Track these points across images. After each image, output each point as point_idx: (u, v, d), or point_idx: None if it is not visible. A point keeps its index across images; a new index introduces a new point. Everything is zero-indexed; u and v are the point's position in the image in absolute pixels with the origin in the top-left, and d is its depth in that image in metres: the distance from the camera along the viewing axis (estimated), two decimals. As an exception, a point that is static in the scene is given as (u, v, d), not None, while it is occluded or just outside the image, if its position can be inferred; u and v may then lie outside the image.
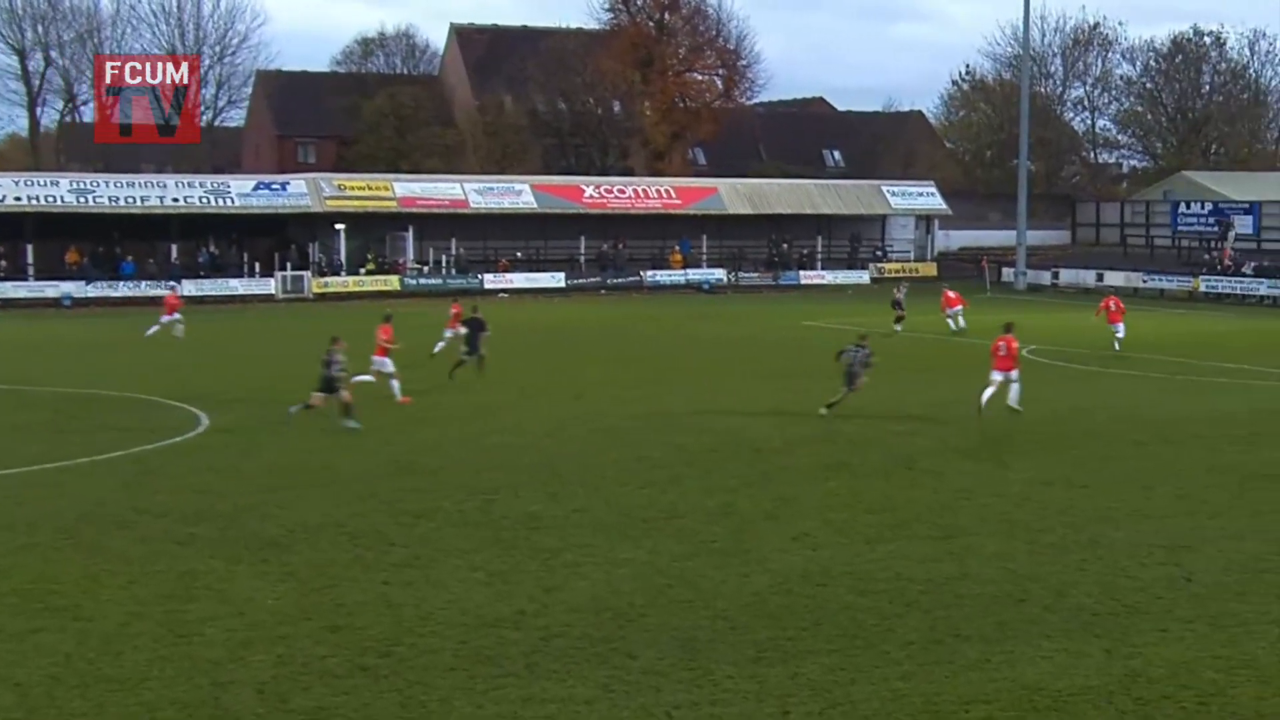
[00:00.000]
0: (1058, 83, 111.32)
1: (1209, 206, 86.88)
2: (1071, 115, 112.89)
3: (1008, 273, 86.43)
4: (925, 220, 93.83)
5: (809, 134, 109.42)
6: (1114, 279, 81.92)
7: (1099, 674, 14.95)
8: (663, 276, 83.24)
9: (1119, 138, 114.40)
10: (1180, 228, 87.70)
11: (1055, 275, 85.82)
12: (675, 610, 17.04)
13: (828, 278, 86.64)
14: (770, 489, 24.17)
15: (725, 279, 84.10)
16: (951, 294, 55.13)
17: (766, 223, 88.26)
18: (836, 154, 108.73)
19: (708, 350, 47.98)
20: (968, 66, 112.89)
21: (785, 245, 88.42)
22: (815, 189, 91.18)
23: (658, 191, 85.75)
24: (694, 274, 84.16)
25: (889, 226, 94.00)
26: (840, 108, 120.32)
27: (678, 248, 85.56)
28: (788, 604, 17.32)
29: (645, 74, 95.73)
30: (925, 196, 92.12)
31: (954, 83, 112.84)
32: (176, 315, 53.04)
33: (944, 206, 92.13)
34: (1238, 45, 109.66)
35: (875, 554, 19.72)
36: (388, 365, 35.03)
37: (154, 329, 52.33)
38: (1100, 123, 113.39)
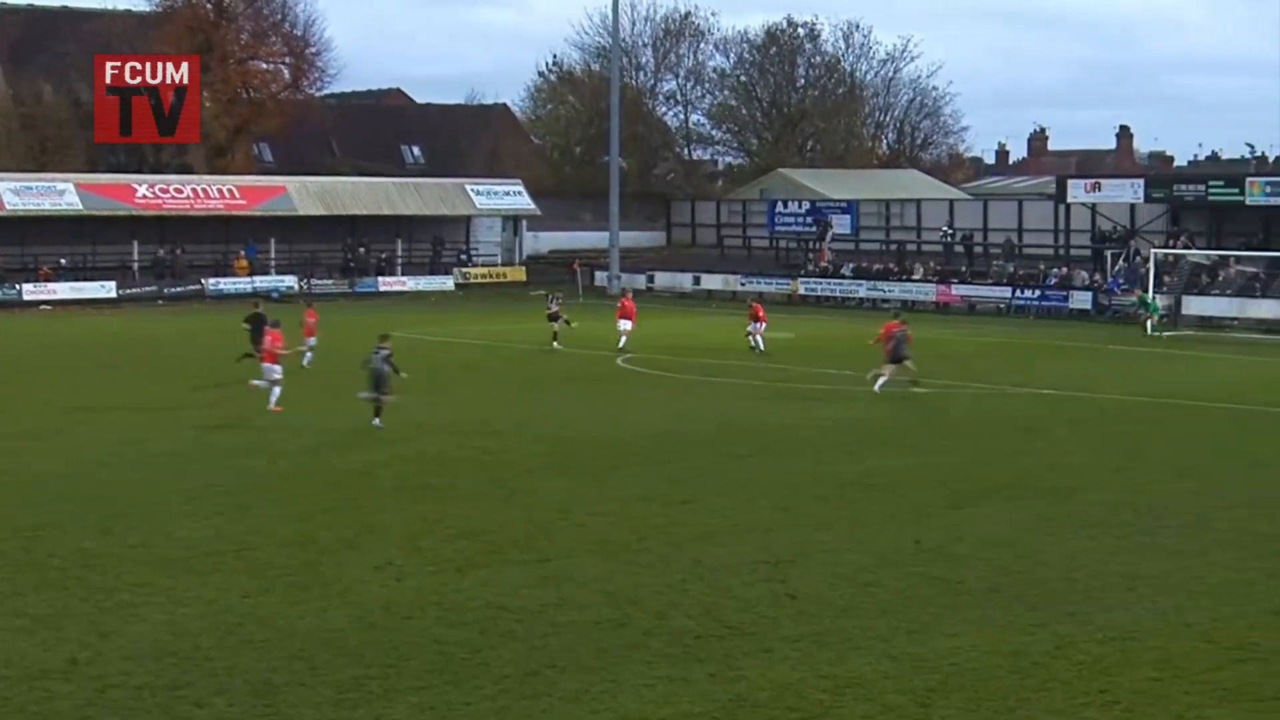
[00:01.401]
0: (649, 75, 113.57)
1: (806, 205, 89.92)
2: (664, 110, 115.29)
3: (601, 276, 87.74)
4: (513, 221, 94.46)
5: (385, 128, 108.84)
6: (711, 282, 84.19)
7: (703, 700, 15.31)
8: (227, 284, 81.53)
9: (713, 133, 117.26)
10: (778, 228, 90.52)
11: (650, 279, 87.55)
12: (247, 651, 16.76)
13: (409, 284, 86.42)
14: (351, 515, 24.01)
15: (296, 286, 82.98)
16: (629, 302, 54.92)
17: (341, 225, 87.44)
18: (416, 150, 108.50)
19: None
20: (554, 57, 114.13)
21: (362, 249, 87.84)
22: (394, 188, 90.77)
23: (219, 191, 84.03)
24: (261, 281, 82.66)
25: (474, 228, 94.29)
26: (419, 100, 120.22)
27: (243, 253, 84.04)
28: (371, 639, 17.23)
29: (204, 62, 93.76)
30: (512, 196, 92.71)
31: (540, 74, 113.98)
32: None
33: (532, 206, 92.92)
34: (832, 38, 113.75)
35: (465, 582, 19.78)
36: (276, 372, 36.49)
37: None
38: (694, 117, 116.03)
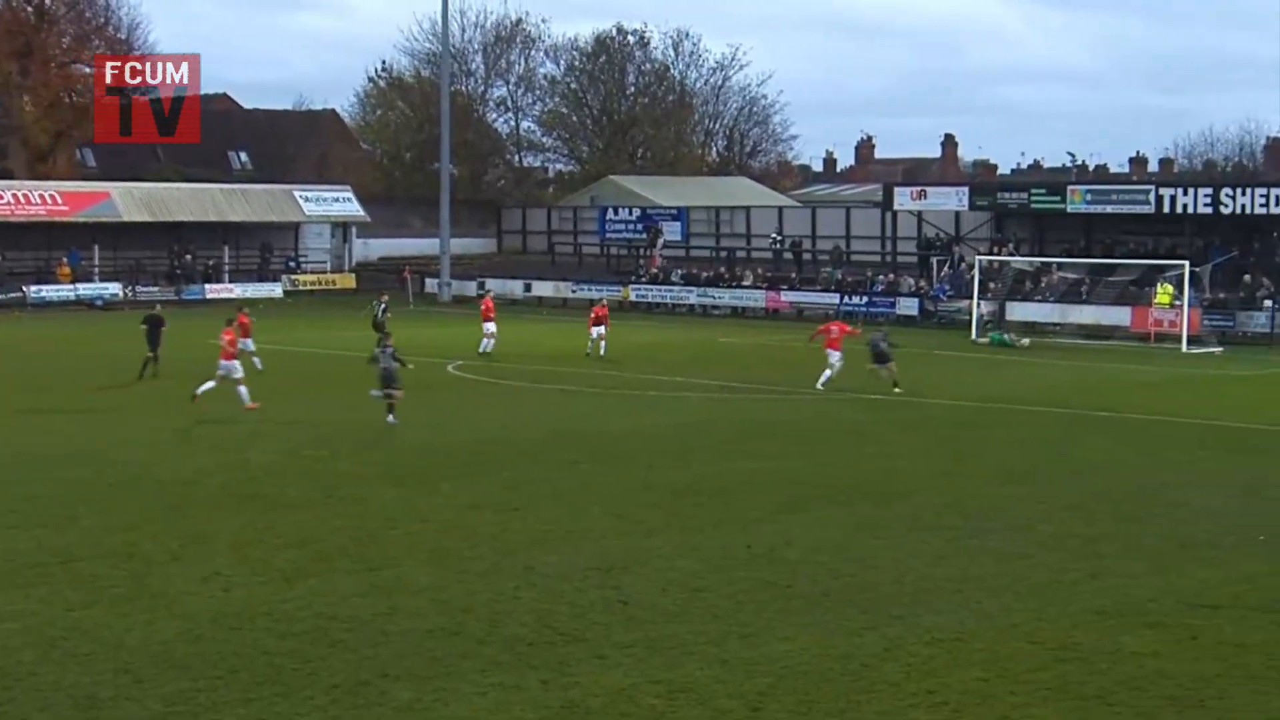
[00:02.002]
0: (479, 82, 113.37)
1: (637, 213, 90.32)
2: (495, 116, 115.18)
3: (431, 283, 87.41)
4: (342, 228, 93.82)
5: (213, 133, 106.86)
6: (542, 289, 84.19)
7: (536, 707, 15.29)
8: (49, 292, 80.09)
9: (544, 140, 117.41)
10: (608, 235, 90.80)
11: (482, 285, 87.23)
12: (72, 666, 16.45)
13: (237, 291, 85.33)
14: (177, 525, 23.67)
15: (122, 294, 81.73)
16: (490, 305, 54.39)
17: (167, 231, 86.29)
18: (243, 156, 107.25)
19: (104, 373, 46.52)
20: (384, 63, 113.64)
21: (188, 256, 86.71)
22: (220, 194, 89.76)
23: (41, 197, 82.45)
24: (85, 289, 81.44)
25: (303, 235, 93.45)
26: (246, 105, 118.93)
27: (66, 260, 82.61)
28: (199, 652, 16.99)
29: (24, 65, 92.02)
30: (341, 202, 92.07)
31: (370, 80, 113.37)
32: None
33: (362, 213, 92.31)
34: (662, 45, 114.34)
35: (295, 592, 19.59)
36: (236, 370, 37.38)
37: None
38: (525, 124, 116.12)
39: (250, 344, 45.10)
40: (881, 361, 42.67)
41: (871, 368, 42.71)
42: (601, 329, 51.74)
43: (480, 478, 28.34)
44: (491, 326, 52.01)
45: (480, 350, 51.16)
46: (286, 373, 46.50)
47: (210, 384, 37.16)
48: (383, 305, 52.94)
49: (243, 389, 37.00)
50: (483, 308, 53.78)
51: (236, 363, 37.78)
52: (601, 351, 51.21)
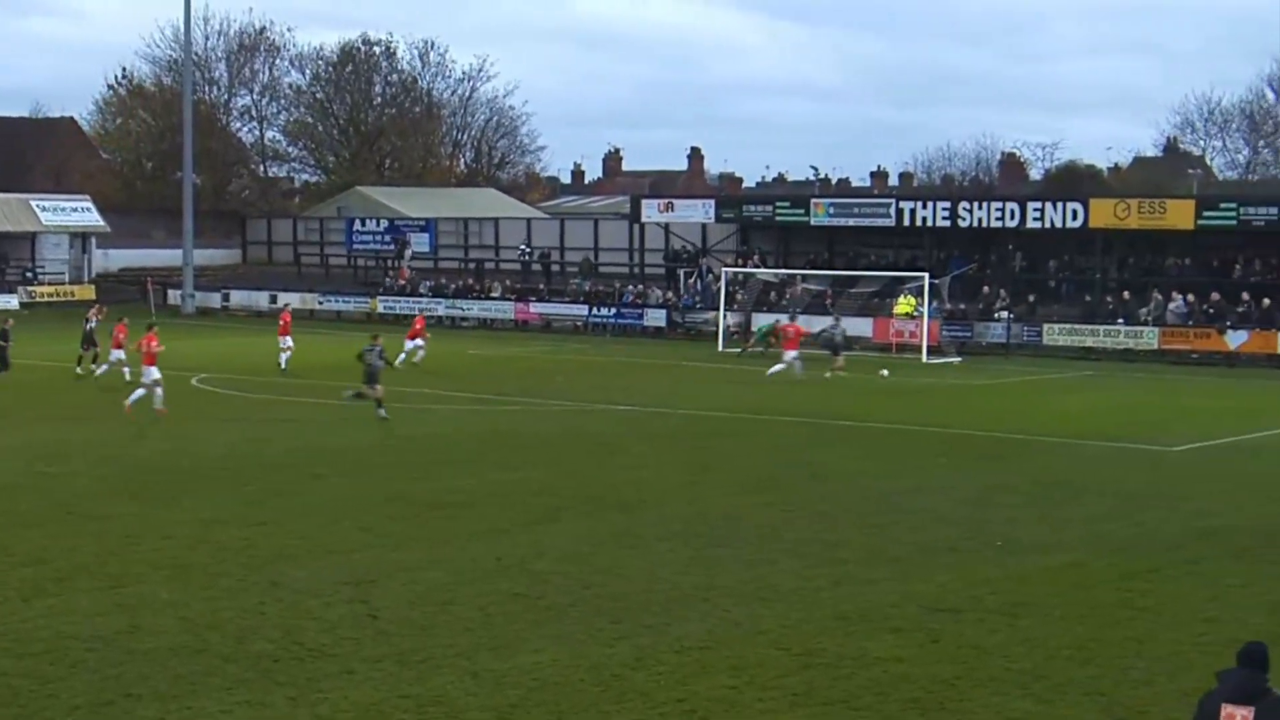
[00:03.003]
0: (223, 90, 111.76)
1: (385, 224, 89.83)
2: (239, 125, 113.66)
3: (175, 295, 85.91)
4: (81, 238, 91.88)
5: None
6: (288, 300, 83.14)
7: (283, 724, 15.12)
8: None
9: (290, 150, 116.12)
10: (356, 246, 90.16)
11: (226, 297, 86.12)
12: None
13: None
14: (-93, 545, 22.93)
15: None
16: (287, 317, 52.90)
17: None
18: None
19: None
20: (124, 69, 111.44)
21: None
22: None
23: None
24: None
25: (40, 245, 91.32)
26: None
27: None
28: (-69, 675, 16.48)
29: None
30: (80, 212, 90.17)
31: (110, 87, 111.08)
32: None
33: (101, 223, 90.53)
34: (408, 56, 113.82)
35: (33, 611, 19.08)
36: (153, 374, 37.92)
37: None
38: (270, 134, 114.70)
39: (121, 354, 45.06)
40: (837, 352, 50.54)
41: (834, 366, 50.10)
42: (419, 341, 52.14)
43: (224, 492, 27.90)
44: (288, 340, 51.22)
45: (282, 367, 50.33)
46: (21, 386, 45.33)
47: (157, 389, 37.76)
48: (88, 321, 50.85)
49: (159, 391, 37.77)
50: (280, 322, 52.75)
51: (155, 368, 38.03)
52: (417, 359, 51.67)
